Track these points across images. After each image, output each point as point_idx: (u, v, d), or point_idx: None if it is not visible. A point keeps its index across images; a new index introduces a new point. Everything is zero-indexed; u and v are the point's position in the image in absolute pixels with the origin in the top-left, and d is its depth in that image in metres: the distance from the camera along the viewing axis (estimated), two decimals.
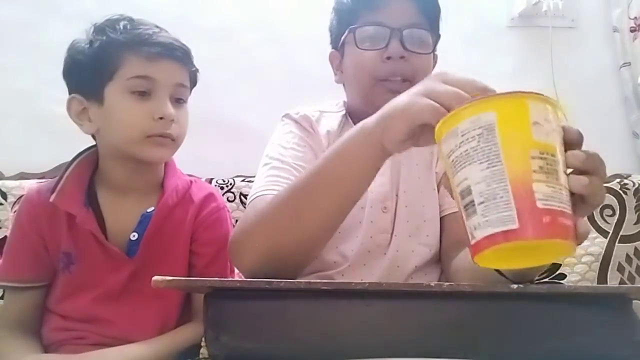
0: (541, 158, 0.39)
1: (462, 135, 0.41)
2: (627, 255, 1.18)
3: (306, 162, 0.79)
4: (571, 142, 0.44)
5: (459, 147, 0.41)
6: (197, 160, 1.21)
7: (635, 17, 1.53)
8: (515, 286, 0.41)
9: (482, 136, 0.40)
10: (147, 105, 0.79)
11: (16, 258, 0.84)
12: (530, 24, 1.59)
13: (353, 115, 0.89)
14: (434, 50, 0.86)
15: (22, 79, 1.39)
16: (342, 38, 0.86)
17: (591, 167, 0.44)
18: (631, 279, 1.18)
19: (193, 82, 0.88)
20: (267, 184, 0.74)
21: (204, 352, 0.82)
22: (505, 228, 0.38)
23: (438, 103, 0.45)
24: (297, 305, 0.41)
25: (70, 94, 0.82)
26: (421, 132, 0.49)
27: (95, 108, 0.81)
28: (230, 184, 1.22)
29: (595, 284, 1.14)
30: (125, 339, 0.78)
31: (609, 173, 1.31)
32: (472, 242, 0.40)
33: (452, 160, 0.42)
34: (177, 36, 0.84)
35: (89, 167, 0.86)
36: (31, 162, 1.28)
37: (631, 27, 1.54)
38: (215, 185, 1.22)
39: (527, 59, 1.58)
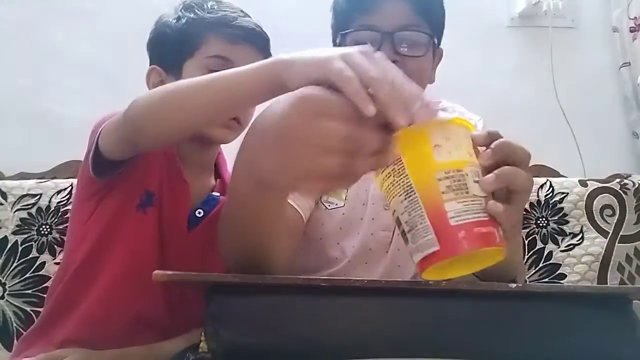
0: (447, 177, 0.42)
1: (382, 172, 0.45)
2: (627, 255, 1.18)
3: None
4: (485, 145, 0.47)
5: (384, 182, 0.46)
6: None
7: (635, 17, 1.52)
8: (514, 285, 0.41)
9: (395, 171, 0.44)
10: None
11: None
12: (530, 24, 1.59)
13: None
14: (435, 47, 0.85)
15: (22, 79, 1.39)
16: (337, 41, 0.85)
17: (501, 158, 0.46)
18: (631, 279, 1.17)
19: None
20: None
21: (203, 346, 0.81)
22: (430, 251, 0.42)
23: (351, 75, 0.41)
24: (296, 301, 0.41)
25: (150, 64, 0.86)
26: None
27: (172, 81, 0.82)
28: None
29: (595, 284, 1.14)
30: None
31: (608, 173, 1.32)
32: (415, 263, 0.44)
33: (384, 194, 0.47)
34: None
35: None
36: (31, 162, 1.27)
37: (631, 27, 1.53)
38: None
39: (527, 59, 1.58)
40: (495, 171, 0.45)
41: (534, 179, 1.26)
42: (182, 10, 0.85)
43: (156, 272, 0.43)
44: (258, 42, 0.84)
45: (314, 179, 0.40)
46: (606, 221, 1.20)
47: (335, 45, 0.88)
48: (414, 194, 0.42)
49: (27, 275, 1.05)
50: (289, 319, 0.41)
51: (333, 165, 0.39)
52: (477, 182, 0.43)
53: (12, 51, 1.41)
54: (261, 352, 0.41)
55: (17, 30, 1.41)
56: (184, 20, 0.83)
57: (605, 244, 1.18)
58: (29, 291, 1.04)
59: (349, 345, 0.39)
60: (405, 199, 0.43)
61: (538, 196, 1.22)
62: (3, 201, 1.12)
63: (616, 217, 1.21)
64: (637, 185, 1.23)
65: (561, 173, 1.37)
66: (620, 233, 1.20)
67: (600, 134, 1.51)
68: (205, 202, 0.84)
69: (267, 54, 0.86)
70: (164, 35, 0.85)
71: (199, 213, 0.83)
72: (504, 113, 1.50)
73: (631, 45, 1.53)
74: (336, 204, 0.82)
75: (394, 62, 0.77)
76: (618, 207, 1.21)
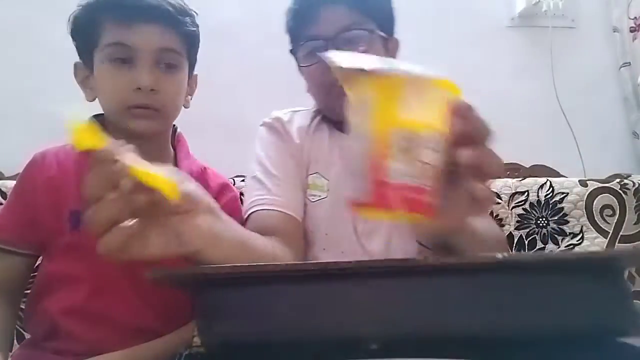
0: (402, 137, 0.42)
1: (354, 107, 0.45)
2: None
3: (282, 166, 0.83)
4: (460, 115, 0.45)
5: (353, 116, 0.46)
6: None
7: (635, 17, 1.53)
8: (500, 255, 0.40)
9: (362, 111, 0.44)
10: (127, 75, 0.74)
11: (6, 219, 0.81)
12: (530, 24, 1.59)
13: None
14: (384, 39, 0.85)
15: (22, 79, 1.39)
16: (295, 56, 0.88)
17: (470, 132, 0.44)
18: (631, 279, 1.18)
19: (190, 44, 0.82)
20: (257, 198, 0.80)
21: (196, 340, 0.80)
22: (359, 194, 0.44)
23: None
24: (286, 289, 0.40)
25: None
26: None
27: (91, 76, 0.79)
28: (231, 183, 1.23)
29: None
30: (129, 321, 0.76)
31: (608, 173, 1.32)
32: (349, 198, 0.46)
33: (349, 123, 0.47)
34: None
35: None
36: None
37: (631, 27, 1.54)
38: None
39: (527, 59, 1.58)
40: (475, 149, 0.43)
41: (534, 179, 1.27)
42: None
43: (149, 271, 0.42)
44: (160, 18, 0.75)
45: None
46: (606, 221, 1.20)
47: (295, 57, 0.89)
48: (368, 139, 0.43)
49: None
50: (280, 307, 0.40)
51: None
52: (432, 149, 0.43)
53: (12, 51, 1.41)
54: (255, 342, 0.40)
55: (17, 30, 1.41)
56: (82, 9, 0.77)
57: (605, 244, 1.18)
58: (30, 291, 1.04)
59: (341, 329, 0.39)
60: (361, 140, 0.44)
61: (538, 196, 1.23)
62: (3, 201, 1.12)
63: (616, 217, 1.21)
64: (637, 185, 1.23)
65: (561, 173, 1.37)
66: (620, 233, 1.20)
67: (600, 134, 1.51)
68: None
69: (179, 28, 0.78)
70: (73, 30, 0.79)
71: None
72: (504, 113, 1.50)
73: (631, 45, 1.53)
74: (319, 196, 0.83)
75: None
76: (618, 207, 1.21)
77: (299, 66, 0.87)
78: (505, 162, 1.40)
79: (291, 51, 0.90)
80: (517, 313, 0.39)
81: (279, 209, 0.78)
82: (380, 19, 0.84)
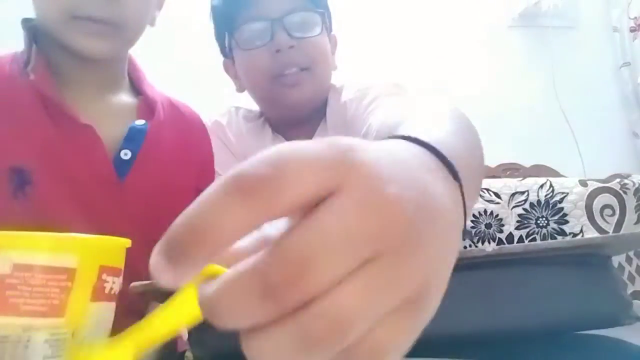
0: None
1: None
2: (627, 255, 1.18)
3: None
4: None
5: None
6: None
7: (635, 17, 1.53)
8: (490, 249, 0.40)
9: None
10: None
11: None
12: (530, 24, 1.59)
13: (267, 117, 0.83)
14: (329, 29, 0.80)
15: None
16: (227, 44, 0.80)
17: None
18: (631, 278, 1.18)
19: None
20: None
21: (189, 355, 0.80)
22: None
23: None
24: None
25: None
26: None
27: None
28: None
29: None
30: None
31: (608, 173, 1.32)
32: None
33: None
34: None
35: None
36: None
37: (631, 27, 1.54)
38: None
39: (527, 59, 1.59)
40: None
41: (534, 179, 1.28)
42: None
43: (133, 284, 0.37)
44: None
45: None
46: (606, 221, 1.20)
47: (225, 52, 0.82)
48: None
49: None
50: None
51: None
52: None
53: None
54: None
55: (17, 30, 1.41)
56: None
57: None
58: None
59: None
60: None
61: (538, 196, 1.23)
62: None
63: (616, 217, 1.21)
64: (637, 185, 1.23)
65: (561, 173, 1.37)
66: (621, 233, 1.20)
67: (600, 134, 1.52)
68: (130, 139, 0.61)
69: None
70: None
71: (126, 155, 0.60)
72: (505, 113, 1.50)
73: (631, 45, 1.53)
74: None
75: (290, 47, 0.71)
76: (618, 207, 1.21)
77: (241, 50, 0.76)
78: (505, 162, 1.40)
79: (221, 42, 0.81)
80: (508, 305, 0.39)
81: None
82: (323, 7, 0.79)
